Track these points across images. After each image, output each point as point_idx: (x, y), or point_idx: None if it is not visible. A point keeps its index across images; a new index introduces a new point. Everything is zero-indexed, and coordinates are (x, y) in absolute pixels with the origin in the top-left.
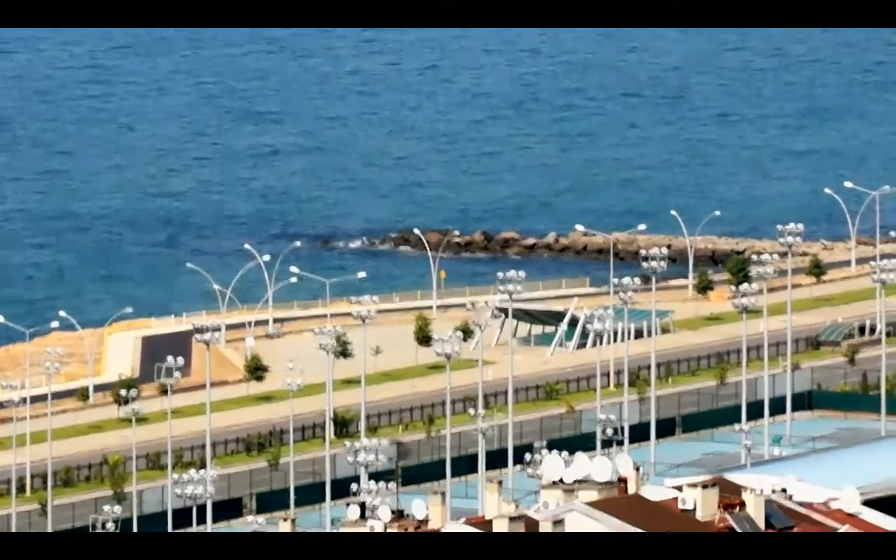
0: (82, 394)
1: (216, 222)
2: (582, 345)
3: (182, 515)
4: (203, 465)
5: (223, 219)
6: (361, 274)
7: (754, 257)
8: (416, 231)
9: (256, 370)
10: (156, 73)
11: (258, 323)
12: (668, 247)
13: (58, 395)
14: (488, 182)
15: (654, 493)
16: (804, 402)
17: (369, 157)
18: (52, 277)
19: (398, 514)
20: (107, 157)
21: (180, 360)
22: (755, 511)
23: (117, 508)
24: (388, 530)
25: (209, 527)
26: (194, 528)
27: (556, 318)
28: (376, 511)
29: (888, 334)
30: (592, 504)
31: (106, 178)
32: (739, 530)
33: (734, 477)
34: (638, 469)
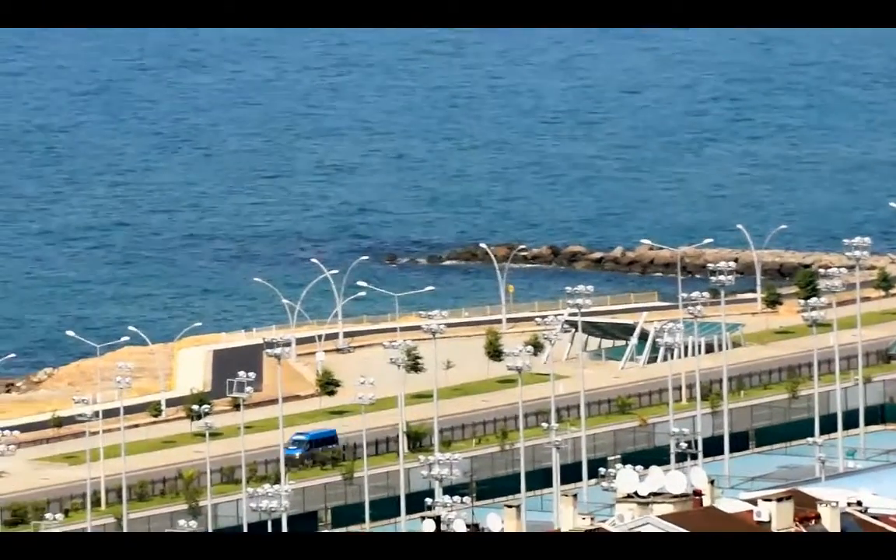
0: (154, 408)
1: (285, 237)
2: (652, 359)
3: (257, 529)
4: (277, 480)
5: (292, 233)
6: (430, 288)
7: (822, 271)
8: (484, 245)
9: (328, 385)
10: (232, 86)
11: (328, 337)
12: (736, 260)
13: (130, 410)
14: (556, 196)
15: (729, 506)
16: (877, 415)
17: (437, 171)
18: (123, 292)
19: (473, 528)
20: (177, 171)
21: (252, 375)
22: (831, 524)
23: (192, 523)
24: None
25: None
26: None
27: (625, 331)
28: (451, 525)
29: None
30: (667, 517)
31: (175, 191)
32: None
33: (809, 490)
34: (712, 482)
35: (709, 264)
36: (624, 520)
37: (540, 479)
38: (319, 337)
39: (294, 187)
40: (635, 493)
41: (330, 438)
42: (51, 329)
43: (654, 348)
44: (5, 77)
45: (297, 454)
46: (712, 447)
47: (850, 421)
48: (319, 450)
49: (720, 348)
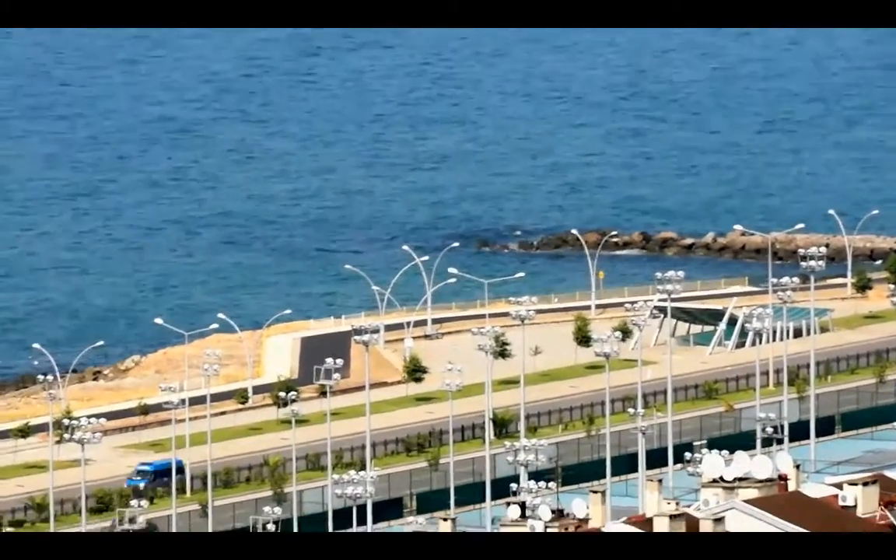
0: (241, 395)
1: (374, 224)
2: (741, 344)
3: (342, 516)
4: (363, 466)
5: (382, 220)
6: (519, 274)
7: None
8: (575, 232)
9: (415, 371)
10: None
11: (417, 324)
12: (827, 246)
13: (217, 397)
14: (647, 183)
15: (814, 490)
16: None
17: (527, 158)
18: (211, 279)
19: (558, 514)
20: (269, 160)
21: (339, 362)
22: None
23: (277, 509)
24: (548, 530)
25: (370, 527)
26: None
27: (714, 317)
28: (536, 510)
29: None
30: (752, 501)
31: (264, 181)
32: None
33: (895, 475)
34: (798, 467)
35: (800, 250)
36: (709, 504)
37: (625, 464)
38: (408, 323)
39: (385, 175)
40: (720, 477)
41: (176, 469)
42: (139, 317)
43: (743, 333)
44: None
45: (142, 485)
46: (798, 432)
47: None
48: (165, 480)
49: (808, 333)
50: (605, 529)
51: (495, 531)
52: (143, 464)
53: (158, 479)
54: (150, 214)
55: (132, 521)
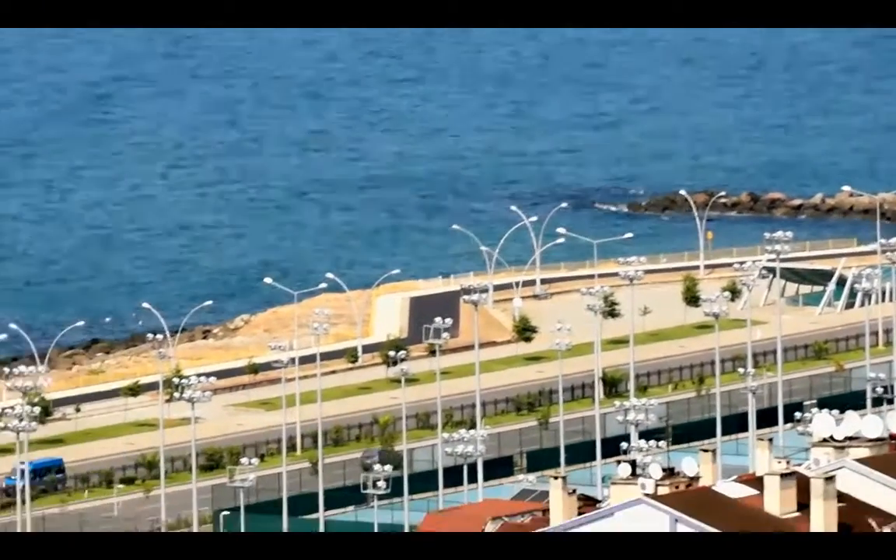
0: (351, 355)
1: (484, 184)
2: (850, 304)
3: (452, 474)
4: (473, 425)
5: (491, 181)
6: (628, 234)
7: None
8: (683, 192)
9: (525, 331)
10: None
11: (525, 284)
12: None
13: (326, 356)
14: (756, 143)
15: None
16: None
17: (633, 119)
18: (320, 239)
19: (669, 472)
20: (379, 122)
21: (448, 321)
22: None
23: (387, 467)
24: (659, 489)
25: (480, 485)
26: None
27: (823, 277)
28: (647, 469)
29: None
30: (863, 461)
31: (375, 142)
32: None
33: None
34: None
35: None
36: (819, 463)
37: (735, 423)
38: (517, 283)
39: (495, 135)
40: (831, 437)
41: (55, 467)
42: (248, 276)
43: (852, 294)
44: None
45: (20, 484)
46: None
47: None
48: (44, 478)
49: None
50: (714, 488)
51: (494, 531)
52: (23, 463)
53: (38, 476)
54: (260, 176)
55: (243, 479)
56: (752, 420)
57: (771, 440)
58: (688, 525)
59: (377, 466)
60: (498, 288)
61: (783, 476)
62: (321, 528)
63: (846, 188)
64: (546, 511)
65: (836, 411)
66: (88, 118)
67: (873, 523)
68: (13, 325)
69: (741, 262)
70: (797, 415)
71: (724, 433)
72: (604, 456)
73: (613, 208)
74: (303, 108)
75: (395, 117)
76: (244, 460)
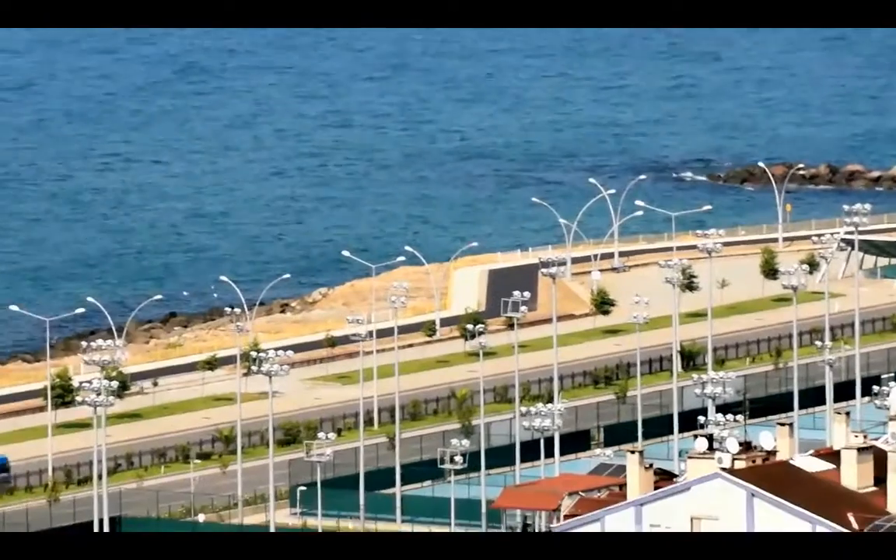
0: (429, 328)
1: (562, 157)
2: None
3: (529, 448)
4: (550, 399)
5: (569, 154)
6: (706, 207)
7: None
8: (762, 164)
9: (603, 304)
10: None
11: (604, 256)
12: None
13: (404, 330)
14: (834, 116)
15: None
16: None
17: (713, 93)
18: (399, 212)
19: (746, 446)
20: (456, 95)
21: (526, 294)
22: None
23: (465, 442)
24: (736, 462)
25: (556, 460)
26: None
27: None
28: (724, 443)
29: None
30: None
31: (453, 114)
32: None
33: None
34: None
35: None
36: None
37: (813, 397)
38: (595, 256)
39: (572, 108)
40: None
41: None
42: (327, 249)
43: None
44: None
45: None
46: None
47: None
48: None
49: None
50: (792, 461)
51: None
52: None
53: None
54: (341, 150)
55: (320, 454)
56: (829, 393)
57: (848, 414)
58: (764, 500)
59: (454, 441)
60: (576, 261)
61: (860, 450)
62: (398, 503)
63: None
64: (623, 486)
65: None
66: (174, 91)
67: None
68: (91, 299)
69: (819, 235)
70: (875, 388)
71: (802, 407)
72: (681, 430)
73: (692, 180)
74: (385, 81)
75: (475, 90)
76: (321, 435)
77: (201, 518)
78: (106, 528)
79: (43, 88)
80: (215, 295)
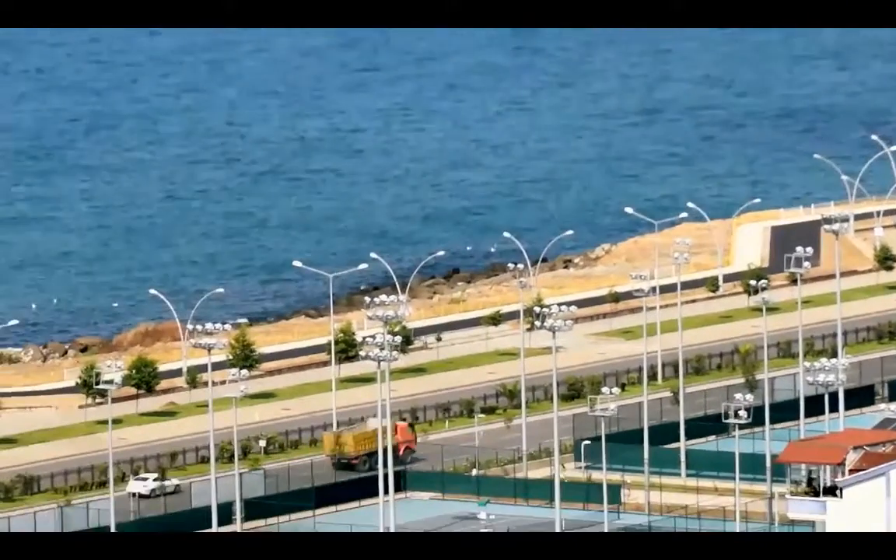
0: (712, 284)
1: (843, 115)
2: None
3: (813, 403)
4: (834, 354)
5: (850, 111)
6: None
7: None
8: None
9: (886, 260)
10: None
11: (886, 213)
12: None
13: (687, 286)
14: None
15: None
16: None
17: None
18: (680, 169)
19: None
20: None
21: (809, 250)
22: None
23: (749, 396)
24: None
25: (841, 414)
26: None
27: None
28: None
29: None
30: None
31: (732, 68)
32: None
33: None
34: None
35: None
36: None
37: None
38: (878, 213)
39: (857, 64)
40: None
41: None
42: (609, 205)
43: None
44: None
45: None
46: None
47: None
48: None
49: None
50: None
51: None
52: None
53: None
54: (633, 108)
55: (604, 408)
56: None
57: None
58: None
59: (738, 396)
60: (859, 217)
61: None
62: (682, 458)
63: None
64: None
65: None
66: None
67: None
68: (374, 255)
69: None
70: None
71: None
72: None
73: None
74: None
75: (763, 53)
76: (605, 389)
77: (474, 473)
78: (391, 484)
79: None
80: (493, 249)
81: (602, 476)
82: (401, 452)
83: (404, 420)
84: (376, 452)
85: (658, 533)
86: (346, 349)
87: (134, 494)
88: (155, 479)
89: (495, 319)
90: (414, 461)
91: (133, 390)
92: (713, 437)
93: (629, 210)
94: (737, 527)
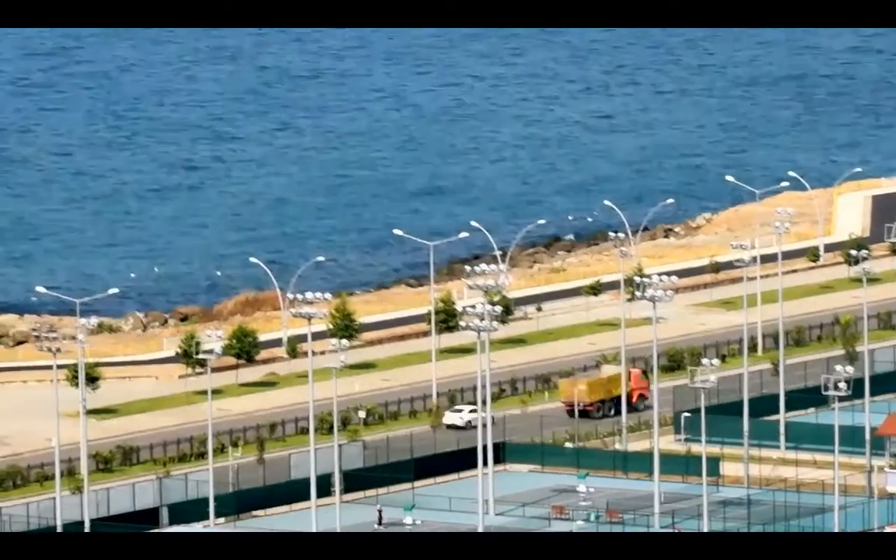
0: (812, 254)
1: None
2: None
3: None
4: None
5: None
6: None
7: None
8: None
9: None
10: None
11: None
12: None
13: (787, 255)
14: None
15: None
16: None
17: None
18: (783, 138)
19: None
20: None
21: None
22: None
23: (849, 368)
24: None
25: None
26: None
27: None
28: None
29: None
30: None
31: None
32: None
33: None
34: None
35: None
36: None
37: None
38: None
39: None
40: None
41: None
42: (710, 174)
43: None
44: None
45: None
46: None
47: None
48: None
49: None
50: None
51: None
52: None
53: None
54: (717, 69)
55: (704, 380)
56: None
57: None
58: None
59: (838, 368)
60: None
61: None
62: (782, 430)
63: None
64: None
65: None
66: None
67: None
68: (474, 223)
69: None
70: None
71: None
72: None
73: None
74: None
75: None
76: (705, 361)
77: (568, 445)
78: (490, 456)
79: None
80: (589, 219)
81: (701, 449)
82: (634, 399)
83: (638, 368)
84: (611, 399)
85: (658, 533)
86: (447, 319)
87: (450, 426)
88: (471, 411)
89: (595, 289)
90: (514, 432)
91: (233, 360)
92: (812, 409)
93: (730, 178)
94: (836, 500)
